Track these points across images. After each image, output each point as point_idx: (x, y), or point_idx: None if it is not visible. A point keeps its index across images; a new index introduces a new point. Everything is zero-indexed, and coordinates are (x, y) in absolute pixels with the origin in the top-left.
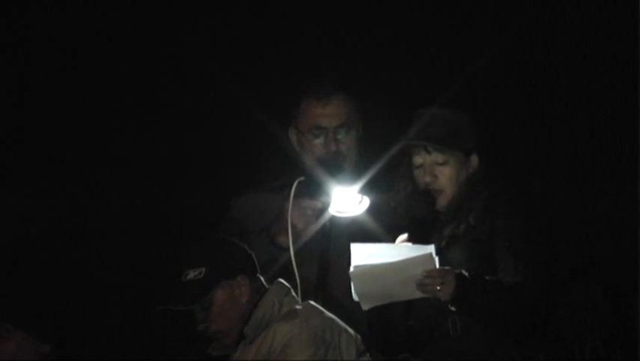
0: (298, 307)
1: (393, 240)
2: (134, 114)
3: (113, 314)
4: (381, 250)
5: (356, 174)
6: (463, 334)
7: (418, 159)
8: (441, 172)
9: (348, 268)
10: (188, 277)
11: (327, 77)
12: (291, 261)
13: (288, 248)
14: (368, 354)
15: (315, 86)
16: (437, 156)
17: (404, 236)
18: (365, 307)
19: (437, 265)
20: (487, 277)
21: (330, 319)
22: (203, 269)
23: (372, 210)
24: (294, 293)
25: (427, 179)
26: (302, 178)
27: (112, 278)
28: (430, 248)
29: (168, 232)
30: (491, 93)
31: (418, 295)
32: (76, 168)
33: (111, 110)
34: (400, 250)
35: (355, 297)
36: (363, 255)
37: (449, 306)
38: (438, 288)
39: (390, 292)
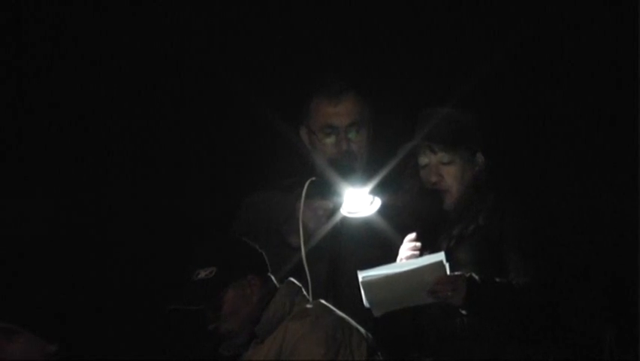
0: (309, 306)
1: (402, 240)
2: (143, 113)
3: (120, 314)
4: (390, 269)
5: (367, 174)
6: (470, 334)
7: (423, 159)
8: (447, 172)
9: (359, 269)
10: (199, 276)
11: (338, 76)
12: (302, 260)
13: (299, 248)
14: (379, 353)
15: (327, 85)
16: (442, 156)
17: (412, 235)
18: (377, 314)
19: (448, 271)
20: (497, 279)
21: (341, 318)
22: (214, 268)
23: (382, 211)
24: (305, 292)
25: (433, 179)
26: (314, 178)
27: (120, 278)
28: (441, 255)
29: (179, 232)
30: (496, 93)
31: (430, 300)
32: (86, 167)
33: (120, 109)
34: (409, 265)
35: (366, 304)
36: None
37: (460, 310)
38: (449, 294)
39: (401, 299)
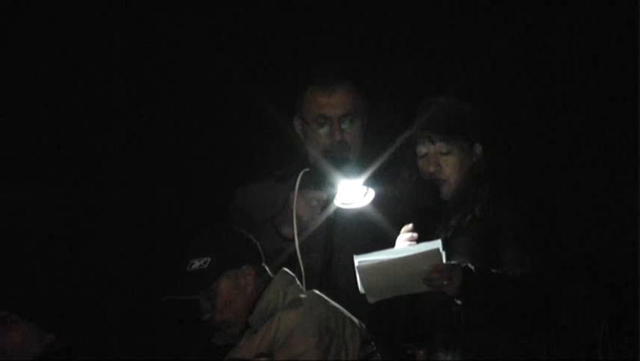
0: (303, 296)
1: (398, 231)
2: (137, 104)
3: (117, 305)
4: (386, 255)
5: (361, 165)
6: (466, 325)
7: (422, 149)
8: (445, 162)
9: (352, 259)
10: (193, 266)
11: (332, 67)
12: (295, 251)
13: (293, 239)
14: (372, 343)
15: (320, 76)
16: (441, 146)
17: (409, 226)
18: (371, 300)
19: (444, 260)
20: (493, 270)
21: (335, 308)
22: (208, 259)
23: (377, 202)
24: (298, 282)
25: (432, 169)
26: (307, 169)
27: (116, 269)
28: (437, 243)
29: (173, 222)
30: (495, 83)
31: (425, 289)
32: (80, 160)
33: (115, 101)
34: (406, 252)
35: (361, 290)
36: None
37: (455, 300)
38: (445, 283)
39: (396, 286)
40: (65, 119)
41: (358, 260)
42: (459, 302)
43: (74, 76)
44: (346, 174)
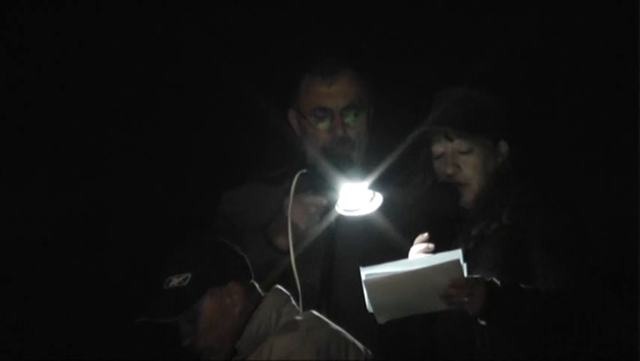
0: (299, 317)
1: (410, 242)
2: (124, 107)
3: (98, 321)
4: (398, 267)
5: (367, 166)
6: (492, 349)
7: (438, 148)
8: (465, 162)
9: (356, 275)
10: (171, 284)
11: (333, 52)
12: (291, 266)
13: (288, 251)
14: None
15: (320, 62)
16: (460, 144)
17: (424, 236)
18: (381, 320)
19: (465, 273)
20: (522, 286)
21: (336, 331)
22: (189, 275)
23: (385, 208)
24: (294, 302)
25: (449, 170)
26: (304, 170)
27: (93, 284)
28: (458, 254)
29: (150, 232)
30: (521, 73)
31: (443, 307)
32: (71, 161)
33: (105, 103)
34: (421, 263)
35: (369, 308)
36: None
37: (478, 320)
38: (465, 300)
39: (410, 304)
40: (58, 120)
41: (365, 273)
42: (482, 322)
43: (72, 76)
44: (350, 176)
